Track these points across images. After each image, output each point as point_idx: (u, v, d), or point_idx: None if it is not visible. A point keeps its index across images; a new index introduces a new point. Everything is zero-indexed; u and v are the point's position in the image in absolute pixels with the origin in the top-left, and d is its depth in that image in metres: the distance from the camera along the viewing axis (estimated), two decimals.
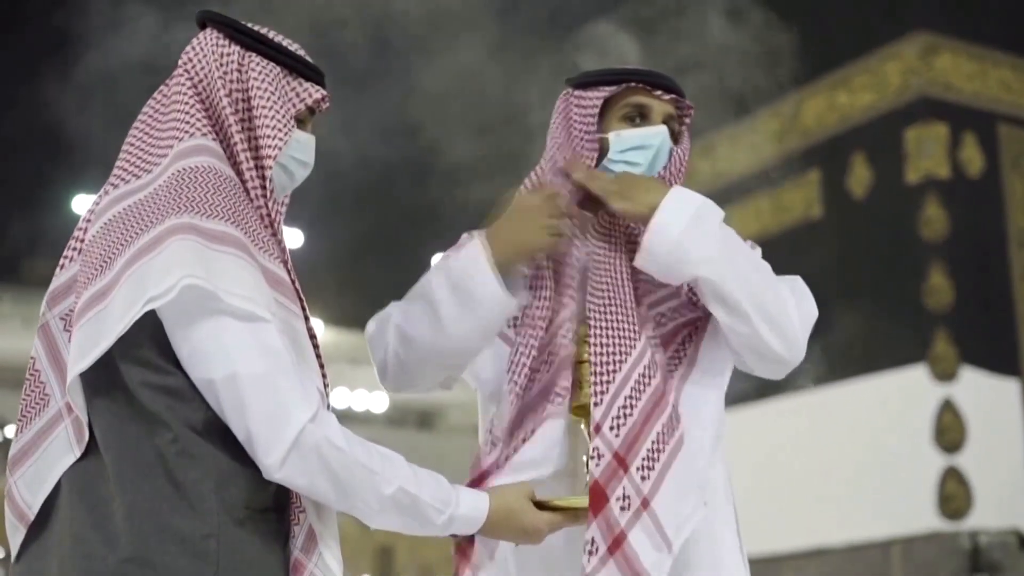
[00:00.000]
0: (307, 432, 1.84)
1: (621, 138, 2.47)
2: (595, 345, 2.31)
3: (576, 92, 2.51)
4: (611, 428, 2.23)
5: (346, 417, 19.88)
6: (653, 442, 2.23)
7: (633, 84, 2.48)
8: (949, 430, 11.52)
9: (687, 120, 2.55)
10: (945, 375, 11.63)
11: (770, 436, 12.28)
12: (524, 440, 2.25)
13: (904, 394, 11.73)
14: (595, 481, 2.19)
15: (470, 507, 2.04)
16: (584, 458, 2.31)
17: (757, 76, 13.33)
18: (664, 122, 2.49)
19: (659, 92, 2.48)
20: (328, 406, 1.99)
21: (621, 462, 2.21)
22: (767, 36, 13.33)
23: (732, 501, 2.47)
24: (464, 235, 2.57)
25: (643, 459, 2.21)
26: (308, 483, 1.86)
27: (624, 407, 2.24)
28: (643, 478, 2.20)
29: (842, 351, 11.28)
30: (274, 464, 1.83)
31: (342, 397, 20.76)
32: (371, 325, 2.47)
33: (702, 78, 13.00)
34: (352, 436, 1.92)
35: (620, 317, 2.34)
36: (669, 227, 2.30)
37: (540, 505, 2.16)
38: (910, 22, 12.44)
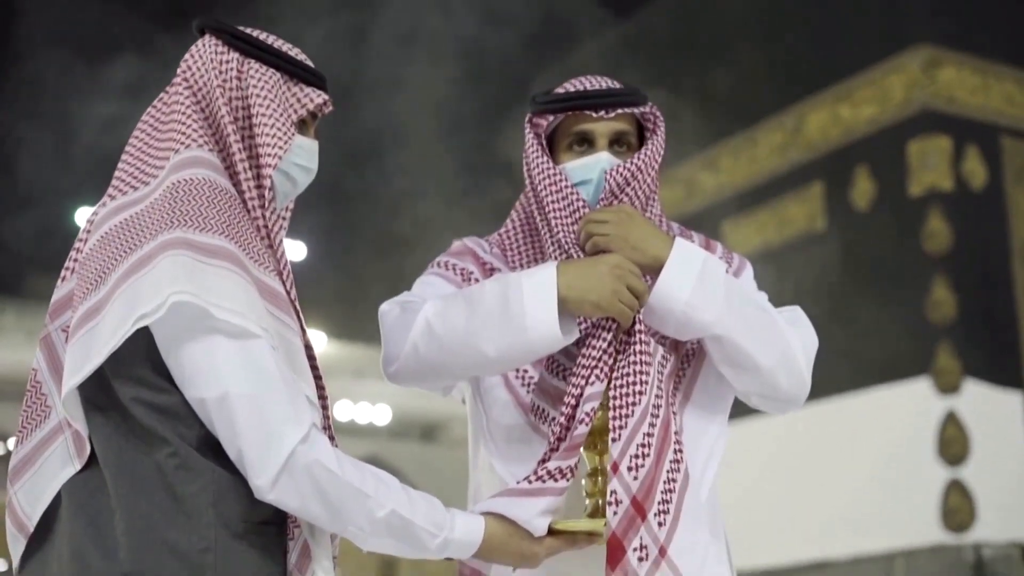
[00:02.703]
0: (298, 454, 1.82)
1: (567, 172, 2.38)
2: (616, 377, 2.19)
3: (533, 119, 2.43)
4: (629, 469, 2.11)
5: (349, 430, 19.85)
6: (665, 482, 2.14)
7: (571, 113, 2.39)
8: (952, 443, 11.51)
9: (649, 124, 2.43)
10: (948, 388, 11.63)
11: (773, 449, 12.26)
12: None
13: (907, 407, 11.73)
14: (613, 533, 2.08)
15: (465, 531, 2.00)
16: (584, 481, 2.26)
17: (761, 89, 13.35)
18: (614, 141, 2.39)
19: (601, 113, 2.38)
20: (327, 418, 1.98)
21: (639, 509, 2.10)
22: (771, 49, 13.35)
23: (723, 536, 2.38)
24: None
25: (659, 503, 2.12)
26: (299, 505, 1.85)
27: (642, 444, 2.13)
28: (660, 524, 2.11)
29: (845, 364, 11.27)
30: (265, 485, 1.82)
31: (345, 410, 20.75)
32: (390, 307, 2.35)
33: (706, 91, 13.01)
34: (344, 457, 1.90)
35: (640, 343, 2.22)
36: (677, 291, 2.22)
37: None
38: (913, 35, 12.46)
